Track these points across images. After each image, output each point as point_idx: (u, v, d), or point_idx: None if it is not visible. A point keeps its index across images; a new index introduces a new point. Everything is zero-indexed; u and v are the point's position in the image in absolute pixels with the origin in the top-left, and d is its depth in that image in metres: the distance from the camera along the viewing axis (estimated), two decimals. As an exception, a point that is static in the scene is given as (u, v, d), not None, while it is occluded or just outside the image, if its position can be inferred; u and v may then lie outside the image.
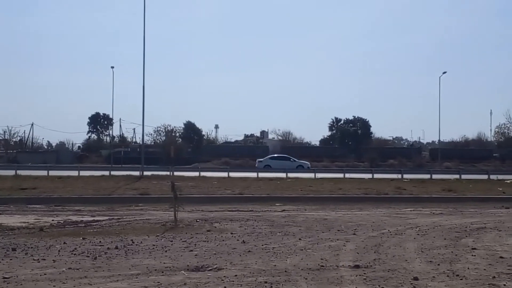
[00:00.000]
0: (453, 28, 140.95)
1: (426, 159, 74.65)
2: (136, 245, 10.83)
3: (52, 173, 38.48)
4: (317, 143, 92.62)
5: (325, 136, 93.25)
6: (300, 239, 11.74)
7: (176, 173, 32.39)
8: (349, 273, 8.23)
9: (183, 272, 8.28)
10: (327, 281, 7.72)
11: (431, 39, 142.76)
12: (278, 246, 10.73)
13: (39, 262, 9.06)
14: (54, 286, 7.32)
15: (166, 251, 10.12)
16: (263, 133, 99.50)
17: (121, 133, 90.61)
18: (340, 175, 41.26)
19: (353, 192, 25.41)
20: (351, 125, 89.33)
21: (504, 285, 7.58)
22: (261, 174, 39.70)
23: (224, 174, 39.80)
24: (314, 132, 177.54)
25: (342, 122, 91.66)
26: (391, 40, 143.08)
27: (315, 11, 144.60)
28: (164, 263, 8.98)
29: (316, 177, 38.78)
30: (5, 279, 7.69)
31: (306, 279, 7.84)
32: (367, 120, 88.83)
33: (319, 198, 22.78)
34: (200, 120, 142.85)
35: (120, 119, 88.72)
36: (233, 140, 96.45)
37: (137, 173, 38.43)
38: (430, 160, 71.72)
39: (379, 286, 7.44)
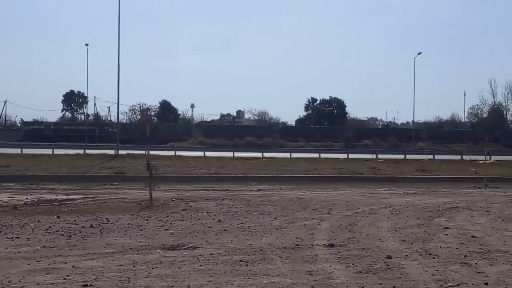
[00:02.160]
0: (428, 9, 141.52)
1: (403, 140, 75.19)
2: (111, 223, 10.79)
3: (26, 151, 38.05)
4: (293, 123, 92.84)
5: (301, 116, 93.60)
6: (275, 218, 11.81)
7: (152, 152, 32.14)
8: (323, 252, 8.31)
9: (158, 250, 8.28)
10: (302, 259, 7.79)
11: (407, 20, 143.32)
12: (253, 225, 10.78)
13: (13, 240, 8.98)
14: (28, 264, 7.27)
15: (141, 230, 10.11)
16: (240, 113, 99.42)
17: (96, 111, 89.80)
18: (316, 155, 41.50)
19: (328, 172, 25.60)
20: (327, 105, 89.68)
21: (476, 263, 7.72)
22: (237, 154, 39.73)
23: (200, 154, 39.75)
24: (290, 112, 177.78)
25: (318, 102, 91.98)
26: (367, 21, 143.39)
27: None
28: (139, 241, 8.97)
29: (292, 157, 38.94)
30: (-22, 258, 7.62)
31: (281, 257, 7.90)
32: (342, 101, 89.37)
33: (295, 178, 22.92)
34: (176, 99, 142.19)
35: (95, 97, 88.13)
36: (209, 120, 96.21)
37: (112, 151, 38.21)
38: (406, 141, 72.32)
39: (353, 264, 7.53)
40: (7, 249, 8.26)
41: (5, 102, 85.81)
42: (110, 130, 65.02)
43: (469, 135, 76.14)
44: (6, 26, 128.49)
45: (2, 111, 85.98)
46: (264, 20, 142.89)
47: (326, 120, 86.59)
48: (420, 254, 8.30)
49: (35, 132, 63.82)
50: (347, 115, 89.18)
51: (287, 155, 40.34)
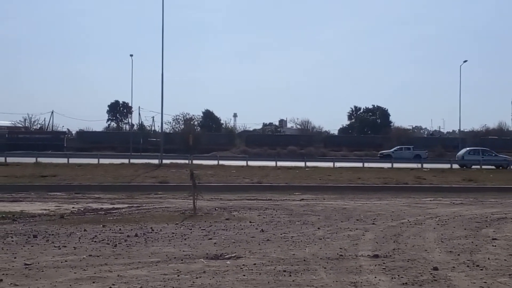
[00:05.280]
0: (474, 17, 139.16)
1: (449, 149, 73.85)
2: (156, 233, 10.89)
3: (72, 160, 38.81)
4: (336, 132, 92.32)
5: (344, 125, 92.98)
6: (319, 228, 11.72)
7: (195, 162, 32.45)
8: (368, 263, 8.20)
9: (202, 260, 8.31)
10: (346, 270, 7.70)
11: (452, 28, 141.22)
12: (297, 235, 10.72)
13: (60, 249, 9.14)
14: (75, 273, 7.39)
15: (185, 239, 10.17)
16: (282, 122, 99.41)
17: (140, 122, 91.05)
18: (359, 165, 41.11)
19: (372, 181, 25.31)
20: (370, 114, 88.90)
21: (526, 276, 7.51)
22: (280, 163, 39.69)
23: (243, 163, 39.85)
24: (333, 121, 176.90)
25: (361, 111, 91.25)
26: (411, 29, 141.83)
27: (335, 0, 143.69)
28: (183, 251, 9.02)
29: (335, 166, 38.69)
30: (27, 266, 7.77)
31: (325, 268, 7.83)
32: (386, 109, 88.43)
33: (338, 187, 22.72)
34: (219, 108, 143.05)
35: (139, 107, 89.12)
36: (251, 129, 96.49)
37: (156, 161, 38.63)
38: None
39: (398, 276, 7.41)
40: (54, 257, 8.41)
41: (52, 112, 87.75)
42: (152, 139, 65.06)
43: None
44: (53, 39, 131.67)
45: (49, 121, 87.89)
46: (306, 30, 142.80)
47: (370, 129, 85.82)
48: (468, 266, 8.11)
49: None
50: (391, 124, 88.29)
51: (330, 164, 40.08)
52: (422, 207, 16.43)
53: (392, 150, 56.53)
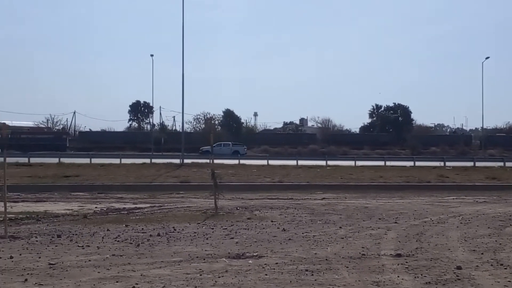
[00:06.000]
0: (494, 12, 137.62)
1: (473, 147, 73.15)
2: (178, 232, 10.95)
3: (95, 160, 39.12)
4: (357, 131, 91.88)
5: (365, 123, 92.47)
6: (340, 227, 11.69)
7: (216, 161, 32.52)
8: (390, 262, 8.16)
9: (224, 259, 8.34)
10: (369, 269, 7.67)
11: (474, 24, 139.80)
12: (318, 234, 10.71)
13: (83, 248, 9.24)
14: (98, 272, 7.46)
15: (207, 239, 10.21)
16: (303, 121, 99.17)
17: (161, 121, 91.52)
18: (381, 163, 40.89)
19: (394, 180, 25.17)
20: (391, 112, 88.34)
21: (551, 275, 7.41)
22: (301, 162, 39.62)
23: (264, 162, 39.85)
24: (354, 119, 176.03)
25: (382, 109, 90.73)
26: (432, 26, 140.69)
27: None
28: (205, 250, 9.06)
29: (356, 164, 38.53)
30: (51, 265, 7.87)
31: (347, 267, 7.81)
32: (407, 107, 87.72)
33: (360, 186, 22.64)
34: (239, 108, 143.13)
35: (160, 107, 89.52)
36: (272, 128, 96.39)
37: (177, 160, 38.80)
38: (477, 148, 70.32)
39: (421, 275, 7.36)
40: (78, 257, 8.49)
41: (74, 113, 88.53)
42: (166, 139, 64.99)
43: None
44: (75, 40, 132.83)
45: (71, 122, 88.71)
46: (325, 28, 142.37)
47: (391, 127, 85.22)
48: (491, 265, 8.04)
49: None
50: (413, 121, 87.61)
51: (351, 163, 39.89)
52: (445, 205, 16.31)
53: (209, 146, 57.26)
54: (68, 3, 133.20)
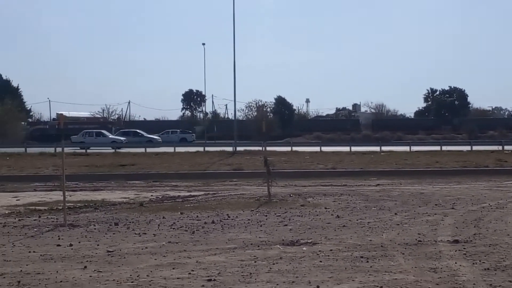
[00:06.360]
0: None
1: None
2: (232, 219, 11.02)
3: (149, 150, 39.77)
4: (412, 115, 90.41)
5: (420, 108, 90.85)
6: (396, 213, 11.54)
7: (268, 148, 32.58)
8: (448, 248, 8.01)
9: (278, 246, 8.35)
10: (425, 256, 7.55)
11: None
12: (373, 221, 10.60)
13: (140, 236, 9.41)
14: (155, 259, 7.58)
15: (261, 226, 10.24)
16: (355, 106, 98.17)
17: (213, 109, 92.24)
18: (437, 148, 40.09)
19: (450, 165, 24.64)
20: (447, 95, 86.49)
21: None
22: (354, 148, 39.26)
23: (316, 149, 39.66)
24: (408, 104, 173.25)
25: (437, 93, 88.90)
26: (487, 6, 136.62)
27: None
28: (259, 237, 9.09)
29: (411, 150, 37.91)
30: (109, 253, 8.05)
31: (403, 254, 7.71)
32: (463, 90, 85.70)
33: (415, 172, 22.25)
34: (291, 94, 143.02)
35: (212, 95, 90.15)
36: (324, 114, 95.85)
37: (230, 148, 39.03)
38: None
39: (480, 261, 7.20)
40: (135, 244, 8.66)
41: (129, 102, 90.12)
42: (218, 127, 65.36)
43: None
44: (129, 30, 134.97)
45: (126, 112, 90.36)
46: (380, 11, 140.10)
47: (447, 111, 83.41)
48: (555, 251, 7.79)
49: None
50: (470, 105, 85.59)
51: (406, 148, 39.23)
52: (504, 190, 15.88)
53: (160, 134, 58.72)
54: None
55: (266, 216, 11.43)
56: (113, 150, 38.94)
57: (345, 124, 75.89)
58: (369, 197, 14.52)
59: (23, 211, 12.61)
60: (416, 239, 8.73)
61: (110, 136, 50.27)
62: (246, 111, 74.85)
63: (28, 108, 79.12)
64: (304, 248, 8.17)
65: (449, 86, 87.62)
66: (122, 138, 49.52)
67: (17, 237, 9.40)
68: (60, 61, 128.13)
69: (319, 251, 7.95)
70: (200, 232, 9.68)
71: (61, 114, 64.85)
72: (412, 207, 12.45)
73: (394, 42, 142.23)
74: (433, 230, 9.54)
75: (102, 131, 52.76)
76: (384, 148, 39.27)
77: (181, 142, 54.18)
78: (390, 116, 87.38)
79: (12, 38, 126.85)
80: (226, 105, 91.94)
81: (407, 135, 61.28)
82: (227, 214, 11.63)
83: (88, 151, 38.47)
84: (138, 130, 55.25)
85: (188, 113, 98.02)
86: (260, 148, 34.92)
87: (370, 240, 8.69)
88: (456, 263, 7.14)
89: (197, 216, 11.53)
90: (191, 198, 14.80)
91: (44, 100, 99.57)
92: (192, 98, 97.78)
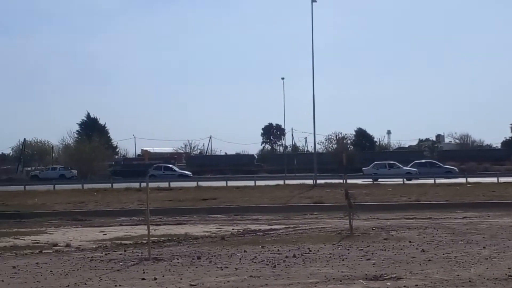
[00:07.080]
0: None
1: None
2: (313, 253, 10.92)
3: (230, 183, 40.18)
4: (499, 145, 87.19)
5: (508, 138, 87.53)
6: (484, 247, 11.09)
7: (349, 181, 32.19)
8: (542, 285, 7.61)
9: (361, 281, 8.19)
10: (517, 292, 7.20)
11: None
12: (460, 255, 10.23)
13: (222, 270, 9.46)
14: (237, 293, 7.60)
15: (343, 260, 10.09)
16: (439, 137, 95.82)
17: (293, 142, 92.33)
18: (526, 179, 38.37)
19: (542, 196, 23.50)
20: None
21: None
22: (438, 180, 38.18)
23: (399, 181, 38.87)
24: (495, 134, 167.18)
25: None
26: None
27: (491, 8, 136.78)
28: (341, 271, 8.94)
29: (499, 181, 36.48)
30: (192, 286, 8.14)
31: (494, 290, 7.38)
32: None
33: (504, 204, 21.38)
34: (371, 126, 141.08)
35: (292, 128, 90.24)
36: (406, 145, 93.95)
37: (310, 181, 38.86)
38: None
39: None
40: (217, 278, 8.72)
41: (210, 137, 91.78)
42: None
43: None
44: (206, 67, 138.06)
45: (207, 146, 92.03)
46: (457, 42, 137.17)
47: (537, 140, 79.94)
48: None
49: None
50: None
51: (493, 179, 37.79)
52: None
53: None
54: (204, 29, 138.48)
55: (348, 250, 11.26)
56: (195, 184, 39.58)
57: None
58: (456, 230, 14.05)
59: (109, 245, 13.00)
60: (506, 274, 8.35)
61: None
62: (326, 143, 74.43)
63: (115, 145, 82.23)
64: (388, 283, 7.96)
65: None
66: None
67: (103, 271, 9.67)
68: (145, 97, 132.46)
69: (404, 286, 7.73)
70: (282, 266, 9.64)
71: (146, 150, 66.97)
72: (501, 241, 11.94)
73: (477, 69, 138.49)
74: (525, 265, 9.09)
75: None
76: (470, 180, 37.99)
77: (60, 178, 52.37)
78: (475, 147, 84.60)
79: (105, 81, 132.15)
80: (306, 138, 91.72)
81: (494, 166, 59.10)
82: (308, 248, 11.53)
83: (172, 185, 39.32)
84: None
85: (268, 146, 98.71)
86: (341, 181, 34.52)
87: (458, 275, 8.38)
88: (551, 300, 6.76)
89: (278, 250, 11.50)
90: (272, 232, 14.80)
91: (129, 136, 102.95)
92: (272, 132, 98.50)
